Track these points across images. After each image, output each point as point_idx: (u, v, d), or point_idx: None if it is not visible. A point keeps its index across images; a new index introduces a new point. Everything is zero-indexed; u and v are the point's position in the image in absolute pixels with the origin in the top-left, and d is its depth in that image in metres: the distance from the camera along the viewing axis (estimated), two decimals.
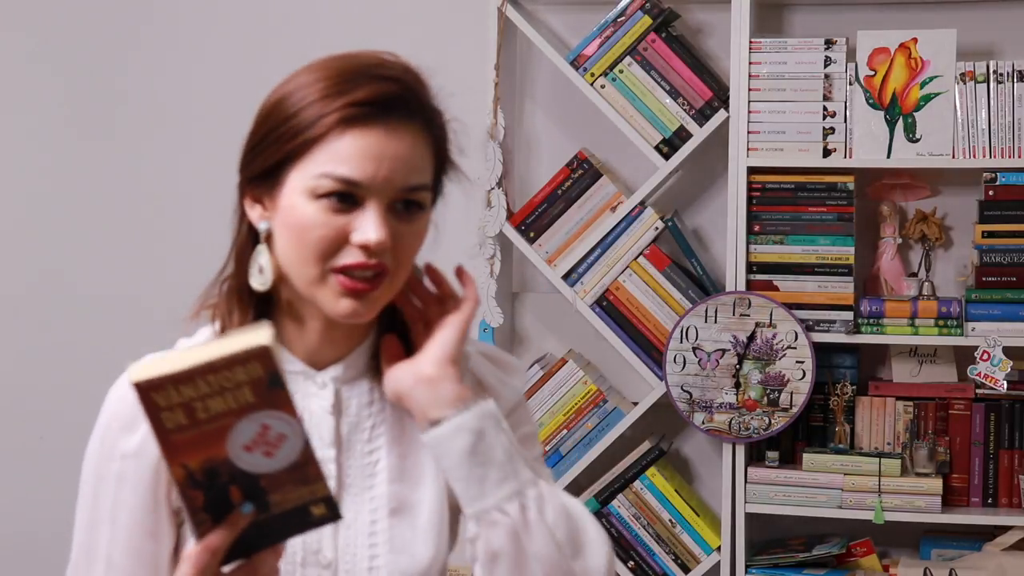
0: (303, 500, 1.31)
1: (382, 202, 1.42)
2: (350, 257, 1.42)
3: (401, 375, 1.48)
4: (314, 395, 1.52)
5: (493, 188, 3.43)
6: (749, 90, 3.29)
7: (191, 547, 1.32)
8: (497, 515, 1.43)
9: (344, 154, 1.41)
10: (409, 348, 1.52)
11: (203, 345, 1.27)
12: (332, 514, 1.32)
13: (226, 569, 1.32)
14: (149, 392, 1.24)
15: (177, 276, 3.86)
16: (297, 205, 1.43)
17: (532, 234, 3.43)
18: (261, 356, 1.24)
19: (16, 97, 3.92)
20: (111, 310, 3.80)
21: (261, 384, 1.25)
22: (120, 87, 3.85)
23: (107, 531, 1.49)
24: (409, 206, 1.45)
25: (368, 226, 1.41)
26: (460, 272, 1.54)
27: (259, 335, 1.25)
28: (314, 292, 1.45)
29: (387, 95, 1.42)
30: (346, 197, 1.41)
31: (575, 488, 3.44)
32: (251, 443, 1.27)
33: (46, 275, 3.90)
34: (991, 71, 3.21)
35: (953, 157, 3.22)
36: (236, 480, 1.29)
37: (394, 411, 1.53)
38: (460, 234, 3.45)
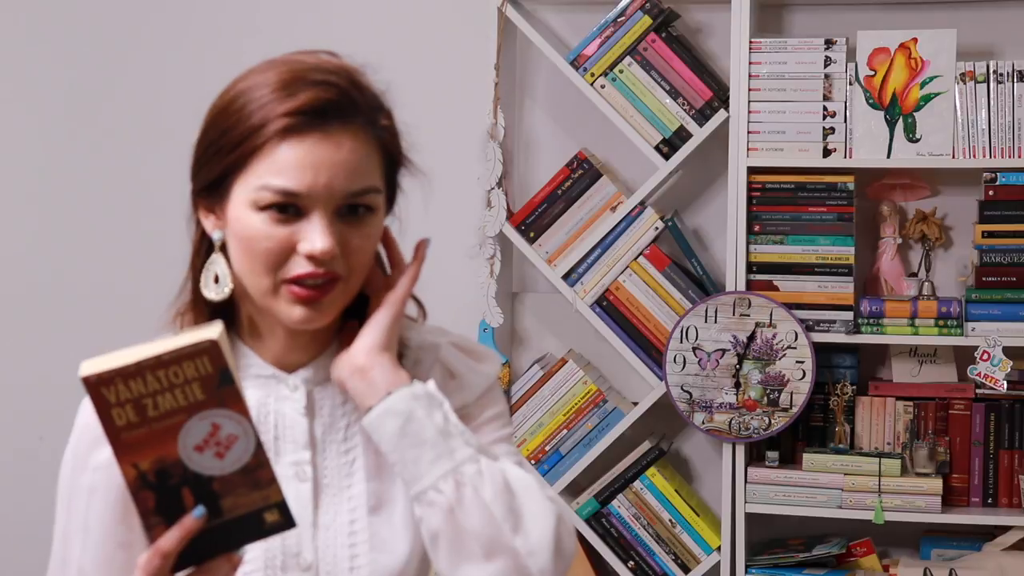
0: (256, 506, 1.30)
1: (326, 210, 1.41)
2: (299, 267, 1.41)
3: (341, 365, 1.47)
4: (286, 398, 1.52)
5: (493, 188, 3.43)
6: (749, 90, 3.29)
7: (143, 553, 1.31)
8: (433, 494, 1.42)
9: (281, 165, 1.40)
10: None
11: (154, 342, 1.26)
12: (286, 521, 1.31)
13: (179, 575, 1.31)
14: (99, 387, 1.24)
15: (178, 277, 3.87)
16: (242, 217, 1.43)
17: (532, 234, 3.43)
18: (210, 352, 1.24)
19: (16, 97, 3.92)
20: (112, 310, 3.80)
21: (211, 381, 1.25)
22: (119, 86, 3.85)
23: (79, 542, 1.49)
24: (356, 210, 1.43)
25: (314, 236, 1.40)
26: (417, 247, 1.52)
27: (209, 331, 1.25)
28: (268, 302, 1.45)
29: (322, 102, 1.41)
30: (288, 207, 1.41)
31: (575, 488, 3.44)
32: (202, 443, 1.27)
33: (46, 275, 3.90)
34: (991, 71, 3.21)
35: (953, 157, 3.22)
36: (188, 482, 1.28)
37: None
38: (460, 234, 3.48)
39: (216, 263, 1.46)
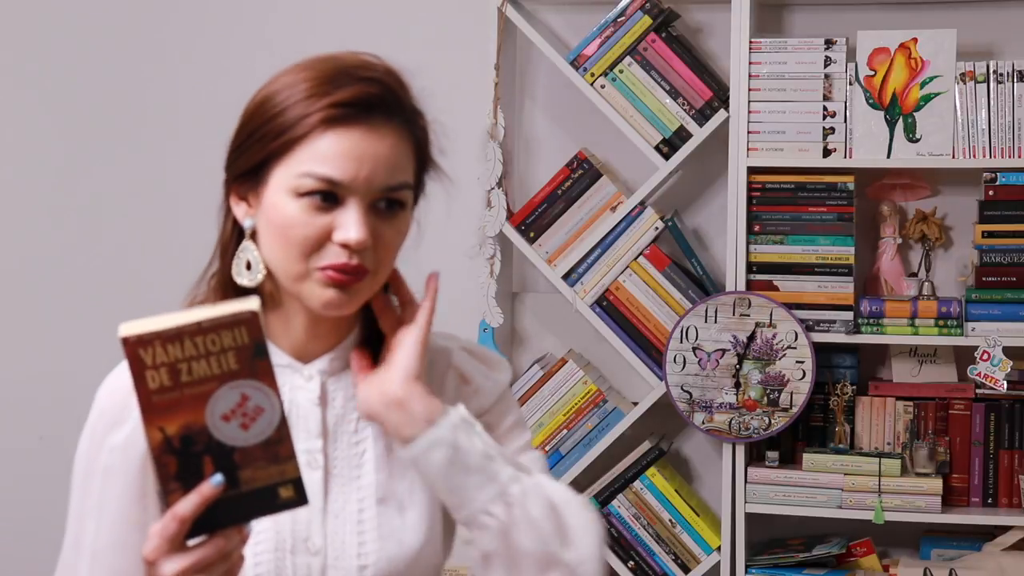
0: (272, 480, 1.32)
1: (363, 201, 1.45)
2: (331, 256, 1.45)
3: (371, 397, 1.50)
4: (300, 387, 1.55)
5: (493, 188, 3.43)
6: (749, 90, 3.29)
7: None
8: (484, 518, 1.46)
9: (326, 154, 1.44)
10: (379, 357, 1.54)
11: (193, 310, 1.29)
12: (299, 498, 1.34)
13: (191, 543, 1.32)
14: (137, 348, 1.26)
15: (179, 277, 3.87)
16: (280, 203, 1.46)
17: (532, 234, 3.43)
18: (249, 322, 1.27)
19: (17, 98, 3.92)
20: (112, 310, 3.78)
21: (246, 352, 1.28)
22: (120, 86, 3.85)
23: (94, 523, 1.51)
24: (391, 205, 1.47)
25: (350, 225, 1.44)
26: (428, 280, 1.55)
27: (248, 303, 1.28)
28: (298, 287, 1.48)
29: (368, 96, 1.45)
30: (328, 196, 1.44)
31: (575, 488, 3.42)
32: (230, 412, 1.29)
33: (47, 275, 3.90)
34: (991, 71, 3.21)
35: (953, 157, 3.22)
36: (210, 451, 1.30)
37: None
38: (460, 234, 3.48)
39: (248, 250, 1.49)
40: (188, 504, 1.30)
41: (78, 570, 1.51)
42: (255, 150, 1.47)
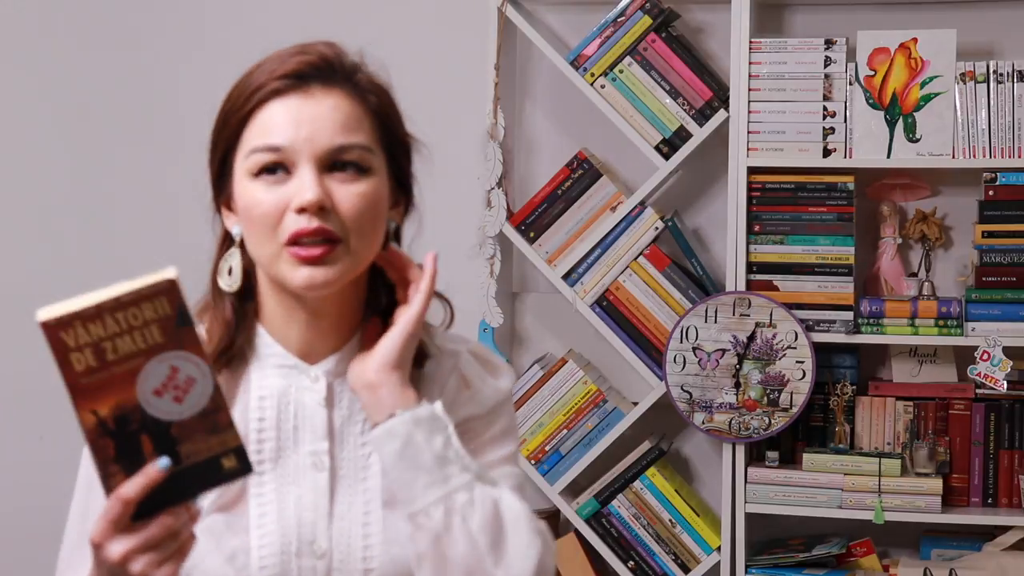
0: (214, 451, 1.30)
1: (313, 164, 1.46)
2: (292, 225, 1.45)
3: (353, 375, 1.51)
4: (307, 388, 1.55)
5: (493, 188, 3.43)
6: (749, 90, 3.29)
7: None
8: (423, 518, 1.46)
9: (266, 125, 1.47)
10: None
11: (112, 286, 1.27)
12: (243, 466, 1.32)
13: (138, 523, 1.32)
14: (57, 331, 1.25)
15: (180, 277, 3.88)
16: (241, 189, 1.49)
17: (532, 234, 3.43)
18: (167, 291, 1.25)
19: (18, 98, 3.92)
20: None
21: (169, 322, 1.26)
22: (122, 87, 3.85)
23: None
24: (349, 167, 1.48)
25: (301, 188, 1.45)
26: (425, 260, 1.55)
27: (166, 272, 1.27)
28: (276, 271, 1.49)
29: (303, 65, 1.48)
30: (276, 168, 1.47)
31: (575, 488, 3.44)
32: (160, 387, 1.27)
33: (47, 275, 3.90)
34: (991, 71, 3.21)
35: (953, 157, 3.22)
36: (147, 428, 1.28)
37: None
38: (460, 234, 3.48)
39: (232, 256, 1.52)
40: (132, 486, 1.29)
41: (81, 567, 1.49)
42: (218, 147, 1.52)
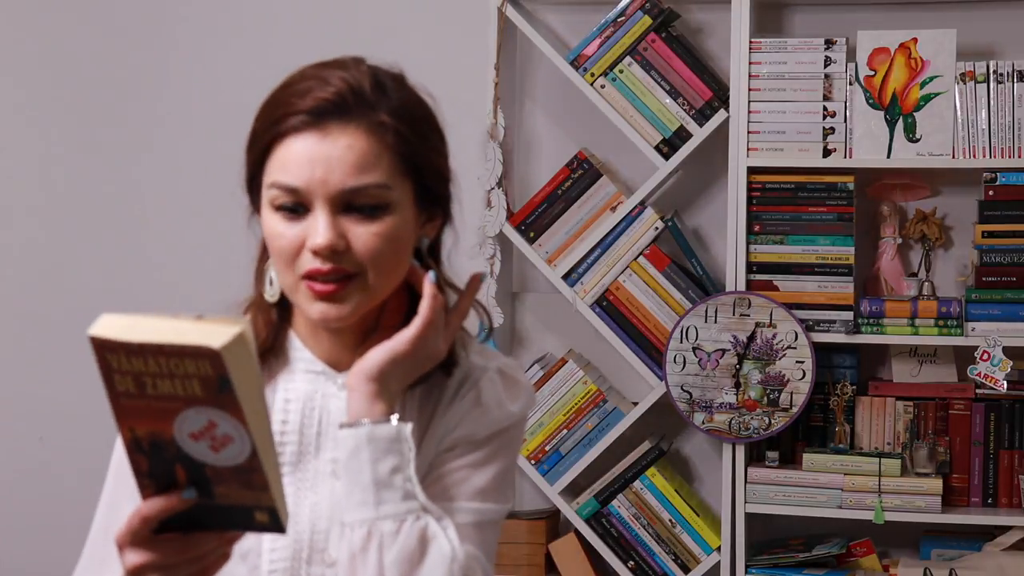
0: (247, 502, 1.28)
1: (328, 205, 1.46)
2: (308, 264, 1.46)
3: (351, 371, 1.51)
4: (333, 395, 1.55)
5: (493, 188, 3.43)
6: (749, 90, 3.29)
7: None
8: (347, 531, 1.46)
9: (285, 163, 1.47)
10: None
11: (174, 319, 1.23)
12: (274, 526, 1.30)
13: (159, 537, 1.32)
14: (103, 351, 1.22)
15: (178, 278, 3.88)
16: (265, 218, 1.50)
17: (532, 234, 3.43)
18: (211, 358, 1.20)
19: (20, 100, 3.92)
20: (113, 311, 3.79)
21: (211, 383, 1.22)
22: (124, 91, 3.85)
23: (127, 509, 1.49)
24: (368, 208, 1.47)
25: (315, 230, 1.45)
26: (471, 281, 1.57)
27: (222, 333, 1.21)
28: (295, 299, 1.50)
29: (320, 102, 1.47)
30: (297, 207, 1.47)
31: (575, 488, 3.44)
32: (198, 433, 1.25)
33: (47, 275, 3.90)
34: (991, 71, 3.21)
35: (953, 157, 3.22)
36: (181, 460, 1.26)
37: (410, 414, 1.54)
38: (460, 234, 3.47)
39: (271, 266, 1.53)
40: (154, 506, 1.29)
41: (109, 556, 1.48)
42: (249, 163, 1.52)
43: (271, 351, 1.56)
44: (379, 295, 1.50)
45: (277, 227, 1.47)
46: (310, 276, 1.46)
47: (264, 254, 1.55)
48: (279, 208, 1.47)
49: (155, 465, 1.27)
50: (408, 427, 1.47)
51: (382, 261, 1.48)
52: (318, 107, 1.46)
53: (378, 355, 1.49)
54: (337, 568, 1.47)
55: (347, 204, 1.46)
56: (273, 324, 1.56)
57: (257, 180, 1.51)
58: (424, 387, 1.54)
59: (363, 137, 1.47)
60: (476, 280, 1.56)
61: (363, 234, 1.46)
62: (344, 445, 1.46)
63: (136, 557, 1.31)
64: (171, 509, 1.29)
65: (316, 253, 1.45)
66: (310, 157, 1.45)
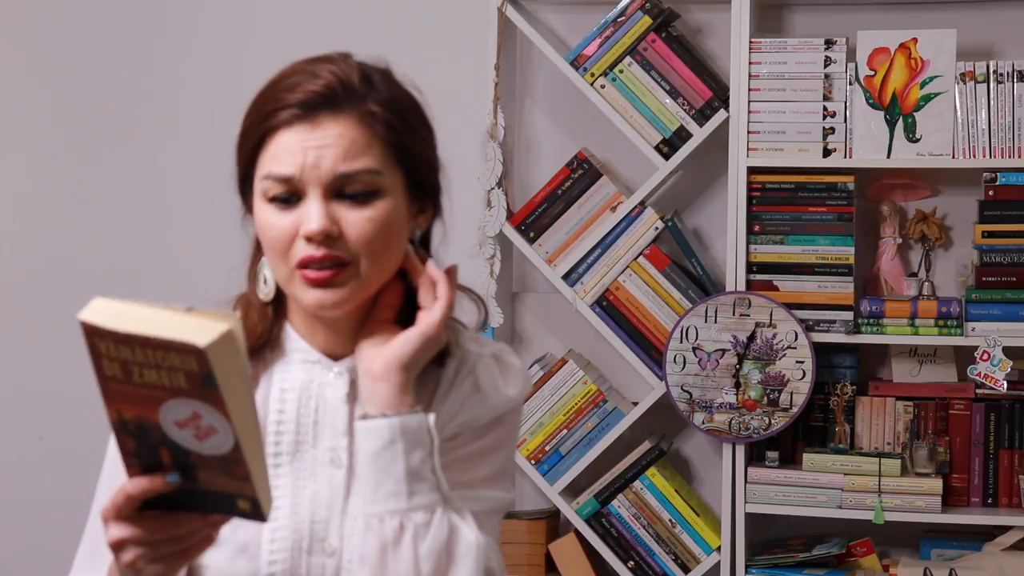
0: (230, 490, 1.30)
1: (319, 192, 1.48)
2: (301, 251, 1.48)
3: (363, 359, 1.51)
4: (330, 384, 1.56)
5: (493, 188, 3.43)
6: (749, 90, 3.29)
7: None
8: (376, 522, 1.46)
9: (277, 154, 1.49)
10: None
11: (165, 309, 1.25)
12: (256, 515, 1.31)
13: (144, 514, 1.34)
14: (92, 336, 1.26)
15: (178, 277, 3.88)
16: (258, 209, 1.52)
17: (532, 234, 3.43)
18: (196, 355, 1.22)
19: (21, 100, 3.92)
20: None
21: (195, 378, 1.24)
22: (120, 86, 3.85)
23: None
24: (359, 194, 1.49)
25: (308, 217, 1.47)
26: (446, 272, 1.56)
27: (209, 330, 1.23)
28: (290, 290, 1.52)
29: (309, 94, 1.49)
30: (288, 196, 1.49)
31: (575, 488, 3.44)
32: (183, 421, 1.27)
33: (47, 275, 3.90)
34: (991, 71, 3.21)
35: (953, 157, 3.22)
36: (166, 445, 1.29)
37: None
38: (460, 234, 3.47)
39: (264, 265, 1.55)
40: (139, 485, 1.32)
41: (106, 548, 1.49)
42: (240, 160, 1.54)
43: (267, 344, 1.56)
44: (373, 283, 1.51)
45: (270, 218, 1.49)
46: (304, 264, 1.47)
47: (257, 254, 1.57)
48: (272, 200, 1.49)
49: (141, 447, 1.30)
50: (432, 417, 1.49)
51: (375, 247, 1.49)
52: (308, 100, 1.48)
53: (408, 343, 1.50)
54: (363, 562, 1.46)
55: (339, 191, 1.48)
56: (268, 319, 1.56)
57: (249, 178, 1.52)
58: (419, 377, 1.54)
59: (354, 126, 1.49)
60: (452, 270, 1.57)
61: (356, 220, 1.48)
62: (378, 436, 1.47)
63: (119, 531, 1.33)
64: (155, 490, 1.32)
65: (309, 239, 1.46)
66: (301, 145, 1.48)
